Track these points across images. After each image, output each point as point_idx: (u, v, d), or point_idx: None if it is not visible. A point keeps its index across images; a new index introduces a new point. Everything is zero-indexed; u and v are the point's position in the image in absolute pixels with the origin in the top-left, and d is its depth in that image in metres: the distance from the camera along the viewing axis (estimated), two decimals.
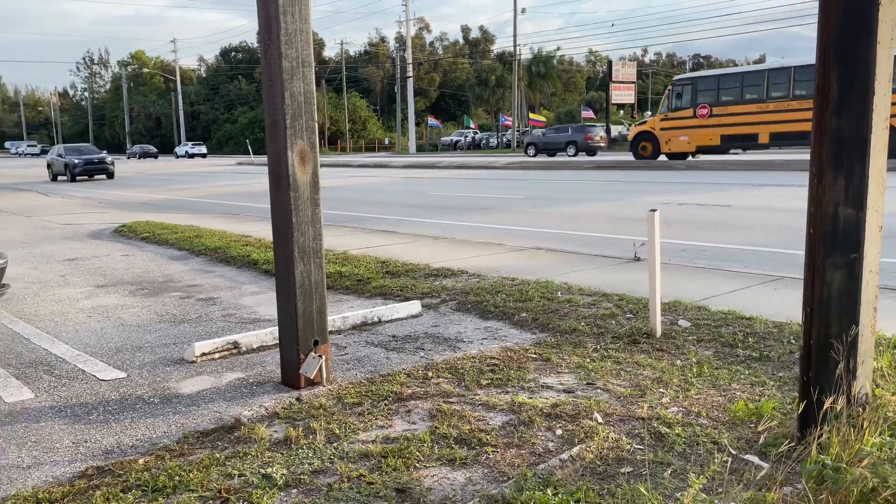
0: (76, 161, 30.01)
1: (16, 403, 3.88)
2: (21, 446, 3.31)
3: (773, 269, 6.83)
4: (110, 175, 30.74)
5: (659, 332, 4.66)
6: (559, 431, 3.21)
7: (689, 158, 26.15)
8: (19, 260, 8.72)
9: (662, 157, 26.54)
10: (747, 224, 10.15)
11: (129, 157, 66.49)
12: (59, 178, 31.20)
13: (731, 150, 26.29)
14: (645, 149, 27.35)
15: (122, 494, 2.74)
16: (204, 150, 67.20)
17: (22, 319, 5.81)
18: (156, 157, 65.94)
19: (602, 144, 38.52)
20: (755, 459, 2.87)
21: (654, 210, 4.62)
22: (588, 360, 4.26)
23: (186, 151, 65.94)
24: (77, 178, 29.94)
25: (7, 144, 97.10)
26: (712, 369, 4.03)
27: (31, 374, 4.38)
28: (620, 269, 7.16)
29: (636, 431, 3.19)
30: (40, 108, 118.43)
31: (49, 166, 32.45)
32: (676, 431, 3.15)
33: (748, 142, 24.93)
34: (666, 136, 26.37)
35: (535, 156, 39.32)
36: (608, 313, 5.23)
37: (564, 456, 2.92)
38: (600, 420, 3.31)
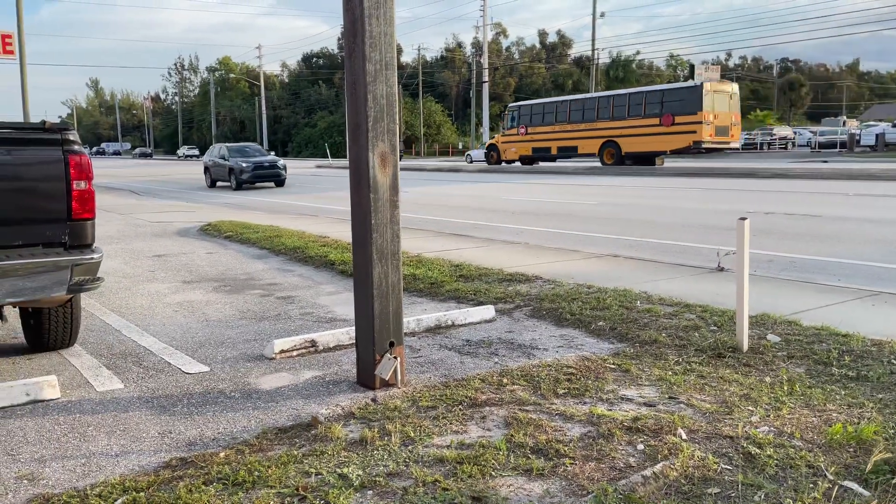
0: (244, 165, 24.39)
1: (106, 393, 4.05)
2: (110, 434, 3.44)
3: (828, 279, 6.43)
4: (280, 183, 25.03)
5: (746, 347, 4.45)
6: (640, 446, 3.09)
7: (535, 164, 35.47)
8: (112, 255, 9.17)
9: (504, 164, 36.83)
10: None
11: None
12: (220, 184, 26.16)
13: (560, 159, 35.14)
14: (491, 157, 37.75)
15: (204, 487, 2.80)
16: (196, 152, 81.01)
17: (114, 312, 6.09)
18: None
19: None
20: (856, 486, 2.68)
21: (743, 218, 4.41)
22: (670, 372, 4.10)
23: (185, 154, 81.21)
24: (243, 185, 24.55)
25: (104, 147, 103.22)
26: (805, 388, 3.80)
27: (121, 365, 4.57)
28: (702, 279, 6.90)
29: (723, 450, 3.03)
30: (134, 112, 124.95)
31: (206, 170, 27.14)
32: (768, 452, 2.98)
33: (546, 153, 34.00)
34: (504, 148, 36.52)
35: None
36: (691, 325, 5.04)
37: (647, 472, 2.81)
38: (684, 436, 3.17)
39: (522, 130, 35.06)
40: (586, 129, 31.58)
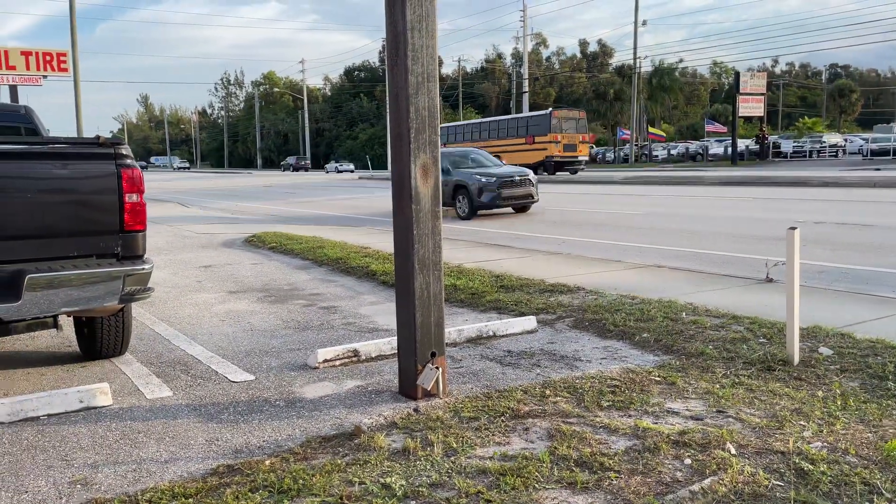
0: (483, 180, 15.08)
1: (156, 400, 4.15)
2: (160, 441, 3.52)
3: None
4: (526, 207, 15.98)
5: (797, 360, 4.33)
6: (688, 461, 3.03)
7: None
8: (161, 266, 9.40)
9: None
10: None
11: (284, 170, 75.33)
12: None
13: None
14: None
15: (250, 494, 2.84)
16: (187, 164, 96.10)
17: (163, 321, 6.24)
18: (307, 171, 72.44)
19: (308, 165, 66.67)
20: None
21: (793, 228, 4.31)
22: (717, 385, 4.02)
23: (177, 166, 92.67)
24: (479, 211, 15.39)
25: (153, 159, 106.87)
26: (859, 402, 3.68)
27: (169, 373, 4.67)
28: (750, 290, 6.75)
29: (774, 466, 2.95)
30: (182, 126, 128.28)
31: None
32: (821, 469, 2.89)
33: None
34: None
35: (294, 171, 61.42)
36: (739, 337, 4.93)
37: (695, 487, 2.75)
38: (733, 451, 3.09)
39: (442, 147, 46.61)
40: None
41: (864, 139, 48.61)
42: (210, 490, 2.91)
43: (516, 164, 39.22)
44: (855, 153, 47.49)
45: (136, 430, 3.67)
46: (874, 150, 43.47)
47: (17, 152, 4.13)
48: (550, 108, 40.54)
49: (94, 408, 3.99)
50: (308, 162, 75.05)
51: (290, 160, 76.22)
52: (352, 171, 62.48)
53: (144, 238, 4.37)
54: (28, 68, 24.15)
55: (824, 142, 49.59)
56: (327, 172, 66.30)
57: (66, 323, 5.37)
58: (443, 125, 47.60)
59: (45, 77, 24.56)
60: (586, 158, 39.05)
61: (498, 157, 39.97)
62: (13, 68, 23.93)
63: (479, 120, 47.39)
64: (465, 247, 10.42)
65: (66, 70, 24.77)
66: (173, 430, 3.67)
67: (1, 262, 3.90)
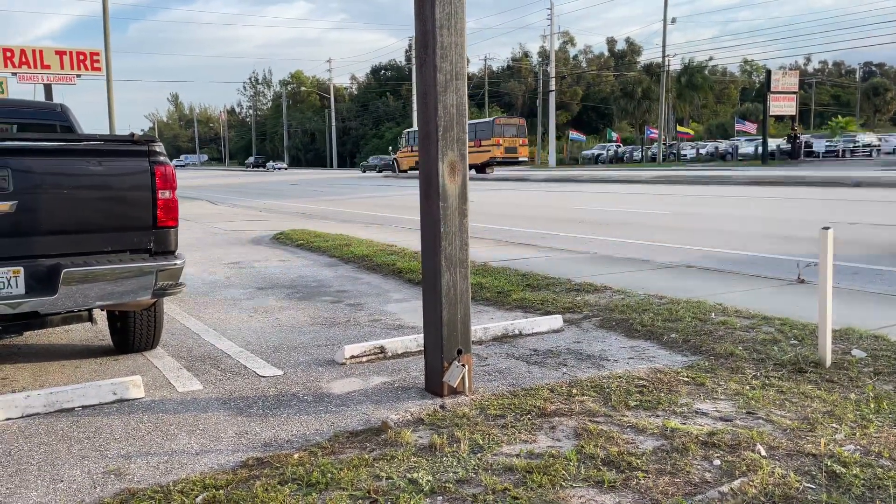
0: None
1: (187, 394, 4.22)
2: (191, 433, 3.58)
3: None
4: None
5: (829, 362, 4.26)
6: (717, 462, 3.00)
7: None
8: (191, 262, 9.52)
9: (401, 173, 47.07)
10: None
11: (247, 168, 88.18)
12: None
13: None
14: (394, 169, 50.55)
15: (279, 486, 2.88)
16: (184, 162, 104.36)
17: (193, 316, 6.33)
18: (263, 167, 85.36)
19: (263, 162, 71.87)
20: None
21: (827, 227, 4.24)
22: (747, 387, 3.97)
23: (176, 164, 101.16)
24: None
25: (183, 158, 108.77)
26: (893, 405, 3.61)
27: (200, 367, 4.75)
28: (781, 291, 6.65)
29: (805, 468, 2.91)
30: (211, 125, 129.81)
31: None
32: (854, 472, 2.84)
33: None
34: (400, 162, 49.76)
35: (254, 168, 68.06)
36: (769, 338, 4.86)
37: (724, 489, 2.72)
38: (763, 453, 3.05)
39: (408, 149, 48.40)
40: None
41: None
42: (240, 482, 2.95)
43: (468, 163, 49.56)
44: (890, 153, 46.51)
45: (168, 423, 3.73)
46: None
47: (54, 149, 4.23)
48: (494, 117, 49.59)
49: (127, 400, 4.07)
50: (263, 159, 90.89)
51: (251, 159, 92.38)
52: (285, 168, 76.66)
53: (176, 234, 4.44)
54: (62, 67, 24.64)
55: (858, 141, 48.62)
56: (268, 170, 77.49)
57: (100, 317, 5.48)
58: (411, 129, 50.21)
59: (78, 76, 25.03)
60: (527, 159, 46.57)
61: None
62: (48, 67, 24.43)
63: None
64: (490, 245, 10.41)
65: (99, 69, 25.21)
66: (204, 422, 3.73)
67: (38, 257, 4.00)
